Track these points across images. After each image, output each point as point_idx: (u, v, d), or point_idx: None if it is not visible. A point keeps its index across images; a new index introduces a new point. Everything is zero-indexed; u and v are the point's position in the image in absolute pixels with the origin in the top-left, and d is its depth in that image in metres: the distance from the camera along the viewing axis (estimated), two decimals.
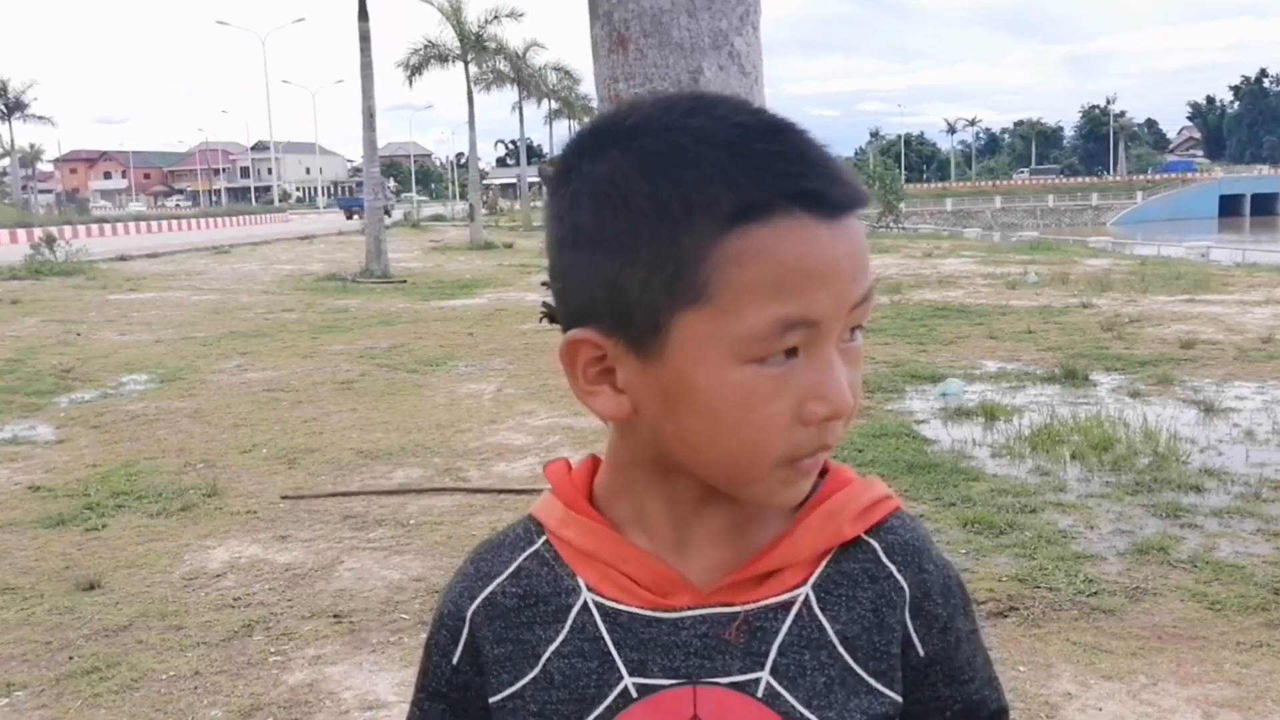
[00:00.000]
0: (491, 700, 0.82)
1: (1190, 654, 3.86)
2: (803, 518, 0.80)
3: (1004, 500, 5.68)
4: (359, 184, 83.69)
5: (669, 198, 0.70)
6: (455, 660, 0.84)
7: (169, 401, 9.14)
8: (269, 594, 4.72)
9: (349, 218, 56.90)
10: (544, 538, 0.84)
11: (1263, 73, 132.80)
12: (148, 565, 5.11)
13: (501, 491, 6.12)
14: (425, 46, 33.54)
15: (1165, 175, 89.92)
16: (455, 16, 32.74)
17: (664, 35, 1.18)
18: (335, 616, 4.42)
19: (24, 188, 73.53)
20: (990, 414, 7.73)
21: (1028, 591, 4.46)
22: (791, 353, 0.71)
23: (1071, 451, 6.60)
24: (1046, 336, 11.68)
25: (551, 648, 0.81)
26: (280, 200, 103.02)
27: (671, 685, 0.78)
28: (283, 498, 6.17)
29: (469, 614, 0.84)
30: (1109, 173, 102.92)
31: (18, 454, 7.46)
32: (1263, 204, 72.95)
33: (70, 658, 4.09)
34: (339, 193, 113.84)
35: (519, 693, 0.81)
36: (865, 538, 0.81)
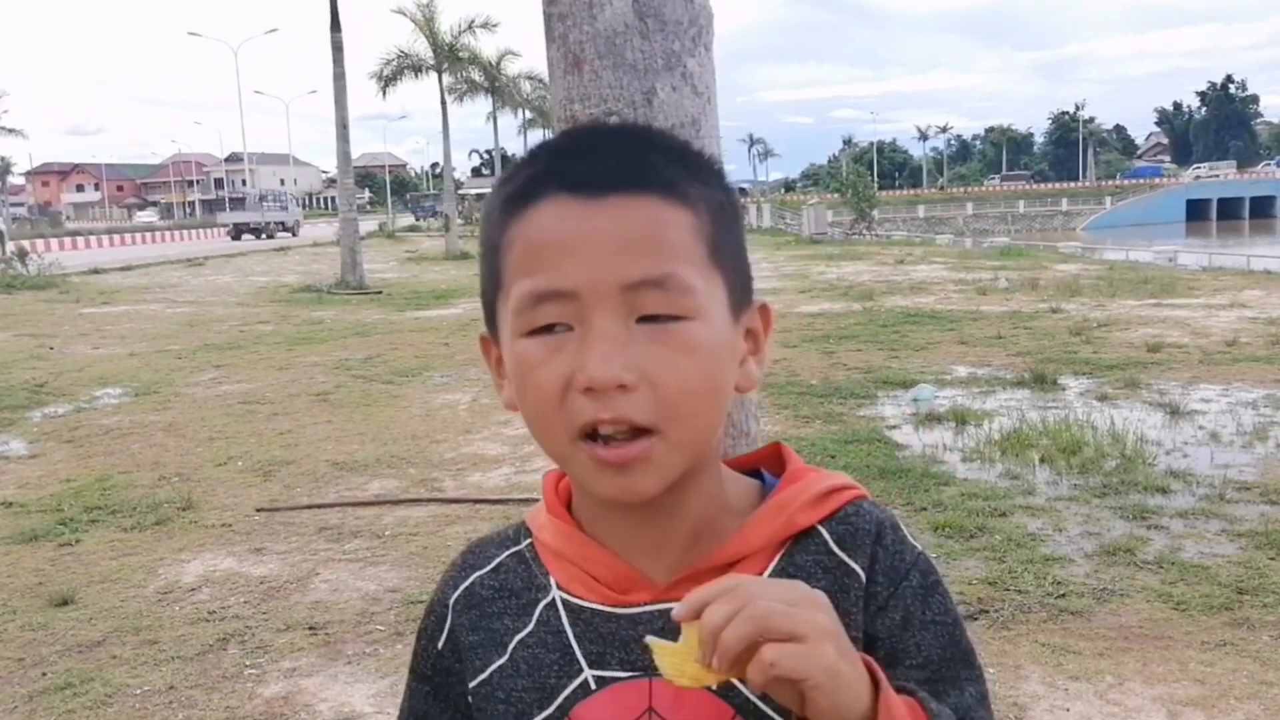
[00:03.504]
0: (470, 686, 0.87)
1: (1156, 654, 3.93)
2: (757, 513, 0.83)
3: (974, 504, 5.74)
4: (426, 195, 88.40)
5: (490, 203, 0.81)
6: (440, 646, 0.90)
7: (143, 415, 9.10)
8: (244, 607, 4.71)
9: (418, 220, 71.81)
10: (529, 539, 0.90)
11: (1228, 79, 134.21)
12: (122, 580, 5.10)
13: (477, 501, 6.13)
14: (398, 57, 33.36)
15: (1133, 180, 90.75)
16: (428, 27, 32.63)
17: (618, 57, 1.22)
18: (311, 628, 4.43)
19: None
20: (961, 419, 7.81)
21: (997, 594, 4.51)
22: (567, 328, 0.75)
23: (1040, 455, 6.67)
24: (1016, 341, 11.79)
25: (518, 638, 0.85)
26: None
27: (628, 678, 0.81)
28: (258, 510, 6.16)
29: (451, 601, 0.90)
30: (1080, 178, 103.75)
31: None
32: (1228, 208, 73.84)
33: (43, 674, 4.07)
34: (317, 203, 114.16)
35: (489, 679, 0.86)
36: (818, 528, 0.82)
